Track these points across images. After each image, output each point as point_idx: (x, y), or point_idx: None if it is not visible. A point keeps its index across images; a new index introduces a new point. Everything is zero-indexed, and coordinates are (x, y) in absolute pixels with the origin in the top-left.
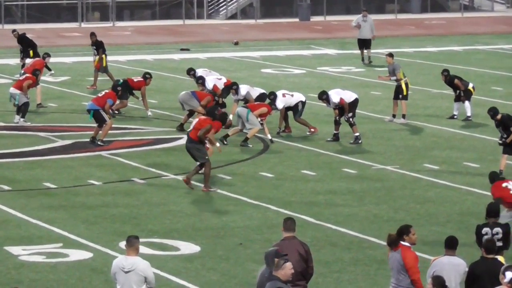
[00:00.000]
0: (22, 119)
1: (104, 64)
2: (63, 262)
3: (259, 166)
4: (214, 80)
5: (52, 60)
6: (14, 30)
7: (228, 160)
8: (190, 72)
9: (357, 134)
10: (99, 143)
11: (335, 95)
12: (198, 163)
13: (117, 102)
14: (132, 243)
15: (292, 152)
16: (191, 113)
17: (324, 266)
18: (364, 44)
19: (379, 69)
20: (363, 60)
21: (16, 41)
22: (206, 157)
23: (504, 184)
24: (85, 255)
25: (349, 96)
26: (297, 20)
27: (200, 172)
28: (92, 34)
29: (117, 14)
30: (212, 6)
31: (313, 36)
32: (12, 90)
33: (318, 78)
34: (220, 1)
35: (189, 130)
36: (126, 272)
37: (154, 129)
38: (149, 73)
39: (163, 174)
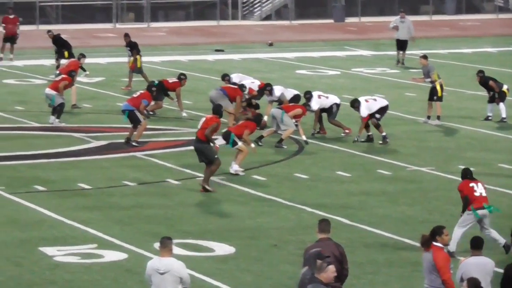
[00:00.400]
0: (57, 120)
1: (138, 65)
2: (98, 263)
3: (294, 167)
4: (248, 83)
5: (86, 61)
6: (49, 31)
7: (262, 161)
8: (225, 78)
9: (384, 133)
10: (133, 144)
11: (365, 110)
12: (206, 166)
13: (152, 103)
14: (166, 244)
15: (326, 153)
16: None
17: (358, 268)
18: (401, 45)
19: (414, 70)
20: (398, 62)
21: (51, 41)
22: (216, 156)
23: (471, 184)
24: (120, 256)
25: (380, 103)
26: (331, 21)
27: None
28: (126, 35)
29: (151, 15)
30: (247, 7)
31: (348, 37)
32: (48, 91)
33: (352, 79)
34: (255, 2)
35: (196, 129)
36: (162, 274)
37: (189, 130)
38: (184, 74)
39: (197, 175)
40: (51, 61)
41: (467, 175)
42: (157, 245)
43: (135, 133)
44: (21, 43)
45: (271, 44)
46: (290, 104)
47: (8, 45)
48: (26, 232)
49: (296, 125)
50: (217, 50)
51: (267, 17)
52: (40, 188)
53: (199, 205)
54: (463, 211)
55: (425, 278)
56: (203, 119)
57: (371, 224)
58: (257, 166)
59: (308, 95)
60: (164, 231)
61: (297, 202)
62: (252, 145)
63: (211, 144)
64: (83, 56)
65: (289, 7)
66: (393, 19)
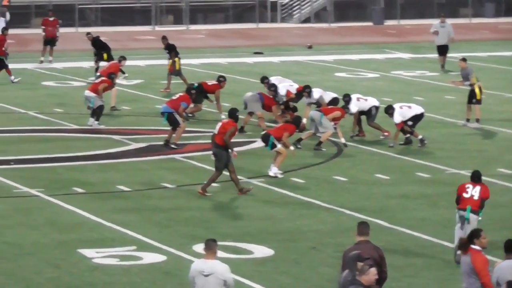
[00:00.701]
0: (96, 122)
1: (177, 67)
2: (137, 265)
3: (333, 170)
4: (286, 86)
5: (125, 63)
6: (88, 33)
7: (301, 164)
8: (264, 80)
9: (420, 137)
10: (172, 146)
11: (398, 116)
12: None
13: (192, 105)
14: (211, 246)
15: (365, 156)
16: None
17: (397, 271)
18: (441, 50)
19: (453, 73)
20: (442, 67)
21: (90, 44)
22: (222, 166)
23: (467, 185)
24: (158, 258)
25: (415, 110)
26: (370, 24)
27: (235, 178)
28: (164, 38)
29: (190, 17)
30: (286, 10)
31: (387, 40)
32: (87, 93)
33: (392, 82)
34: (294, 5)
35: (213, 134)
36: (206, 276)
37: None
38: (223, 76)
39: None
40: (90, 63)
41: (474, 177)
42: (196, 247)
43: (174, 135)
44: (60, 45)
45: (310, 47)
46: (329, 106)
47: (48, 47)
48: (65, 234)
49: (335, 128)
50: (256, 53)
51: (306, 20)
52: (79, 190)
53: (238, 208)
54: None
55: (464, 281)
56: (219, 123)
57: (410, 227)
58: (296, 168)
59: (347, 98)
60: (203, 233)
61: (336, 205)
62: (291, 147)
63: (229, 151)
64: (123, 58)
65: (328, 9)
66: (432, 22)
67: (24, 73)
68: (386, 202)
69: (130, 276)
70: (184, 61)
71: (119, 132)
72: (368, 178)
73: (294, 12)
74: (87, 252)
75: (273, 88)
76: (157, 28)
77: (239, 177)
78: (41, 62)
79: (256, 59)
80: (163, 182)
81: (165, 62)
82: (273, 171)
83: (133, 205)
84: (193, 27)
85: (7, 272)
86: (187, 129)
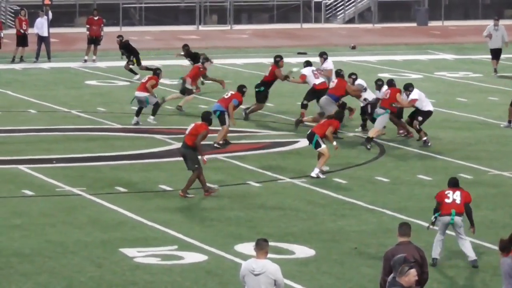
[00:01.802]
0: (152, 117)
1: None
2: (178, 264)
3: (375, 171)
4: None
5: (169, 62)
6: (119, 36)
7: (344, 164)
8: (322, 55)
9: (425, 138)
10: (215, 145)
11: (416, 94)
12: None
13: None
14: (262, 246)
15: (408, 157)
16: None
17: (438, 272)
18: (495, 54)
19: (500, 75)
20: (495, 71)
21: (118, 46)
22: (196, 166)
23: (447, 192)
24: (200, 257)
25: (429, 106)
26: (414, 24)
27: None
28: (185, 46)
29: (235, 17)
30: (330, 10)
31: (431, 41)
32: (138, 94)
33: (435, 83)
34: (338, 5)
35: (184, 134)
36: (256, 275)
37: (270, 133)
38: (279, 56)
39: (279, 178)
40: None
41: (451, 184)
42: (238, 247)
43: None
44: (104, 44)
45: (354, 47)
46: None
47: (92, 46)
48: (107, 233)
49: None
50: (299, 53)
51: (350, 20)
52: (122, 189)
53: (280, 208)
54: (434, 214)
55: (504, 283)
56: (192, 125)
57: (452, 228)
58: (339, 169)
59: (380, 82)
60: (245, 233)
61: (378, 206)
62: (334, 142)
63: (199, 156)
64: (206, 60)
65: (373, 10)
66: (477, 23)
67: (68, 72)
68: (429, 203)
69: (172, 276)
70: (228, 61)
71: (162, 131)
72: (411, 179)
73: (338, 13)
74: (129, 251)
75: (354, 76)
76: (201, 27)
77: (281, 177)
78: (85, 61)
79: (299, 59)
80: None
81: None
82: (315, 171)
83: (176, 204)
84: (237, 27)
85: (49, 271)
86: (230, 129)
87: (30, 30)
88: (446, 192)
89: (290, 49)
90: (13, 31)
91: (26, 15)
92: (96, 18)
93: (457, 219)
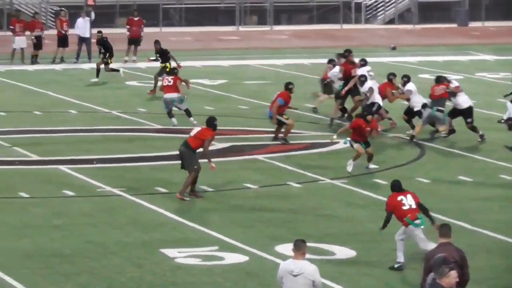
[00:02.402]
0: (191, 118)
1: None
2: (219, 265)
3: (415, 171)
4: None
5: (209, 63)
6: (99, 31)
7: (384, 165)
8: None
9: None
10: (281, 141)
11: (411, 87)
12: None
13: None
14: (300, 247)
15: (448, 157)
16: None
17: (478, 273)
18: None
19: None
20: None
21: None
22: (195, 167)
23: (399, 197)
24: (241, 258)
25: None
26: (455, 25)
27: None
28: (156, 42)
29: (274, 18)
30: (370, 11)
31: (471, 42)
32: (169, 96)
33: (475, 84)
34: (378, 6)
35: (188, 135)
36: (295, 276)
37: (311, 133)
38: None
39: (319, 179)
40: (173, 63)
41: (396, 187)
42: (278, 248)
43: (283, 130)
44: (144, 45)
45: (394, 48)
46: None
47: (132, 47)
48: (147, 233)
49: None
50: (339, 54)
51: (390, 21)
52: (162, 190)
53: (320, 208)
54: (383, 227)
55: None
56: (198, 128)
57: (493, 229)
58: (379, 170)
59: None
60: (285, 234)
61: None
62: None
63: (210, 164)
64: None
65: (413, 11)
66: None
67: (108, 72)
68: (469, 204)
69: (212, 276)
70: (268, 62)
71: None
72: (451, 180)
73: (379, 13)
74: (170, 252)
75: (363, 78)
76: (241, 28)
77: (321, 177)
78: (125, 61)
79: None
80: (246, 183)
81: (248, 62)
82: (348, 168)
83: (216, 205)
84: (277, 27)
85: (90, 271)
86: (269, 129)
87: (70, 31)
88: (398, 199)
89: (330, 49)
90: (54, 31)
91: (66, 15)
92: (136, 18)
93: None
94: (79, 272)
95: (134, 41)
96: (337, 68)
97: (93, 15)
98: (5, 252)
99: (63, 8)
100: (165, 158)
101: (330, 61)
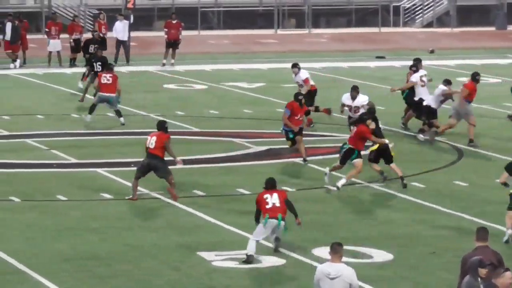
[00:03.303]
0: (121, 118)
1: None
2: (256, 268)
3: (453, 175)
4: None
5: (247, 66)
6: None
7: (422, 168)
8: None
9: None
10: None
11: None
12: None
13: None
14: (337, 250)
15: (486, 161)
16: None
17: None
18: None
19: None
20: None
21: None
22: (167, 172)
23: (265, 196)
24: (277, 261)
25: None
26: (493, 28)
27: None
28: (98, 49)
29: (313, 21)
30: (408, 14)
31: (510, 45)
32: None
33: None
34: (417, 9)
35: (149, 147)
36: (332, 279)
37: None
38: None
39: (356, 182)
40: (211, 66)
41: (266, 185)
42: (315, 251)
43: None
44: (182, 48)
45: (432, 51)
46: None
47: (170, 50)
48: (184, 236)
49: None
50: (378, 57)
51: (429, 24)
52: (199, 193)
53: (357, 212)
54: (256, 220)
55: None
56: (154, 138)
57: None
58: (417, 173)
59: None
60: (322, 237)
61: (456, 210)
62: (386, 140)
63: (175, 159)
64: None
65: (451, 14)
66: None
67: (146, 75)
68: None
69: (249, 279)
70: (306, 65)
71: (240, 135)
72: (489, 183)
73: (417, 17)
74: (207, 255)
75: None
76: (279, 31)
77: (358, 180)
78: (163, 64)
79: (378, 63)
80: (283, 186)
81: (286, 65)
82: (340, 182)
83: (253, 208)
84: (315, 30)
85: (127, 274)
86: (307, 133)
87: (109, 34)
88: (264, 197)
89: (368, 53)
90: None
91: (105, 18)
92: (174, 21)
93: (282, 223)
94: (115, 275)
95: (172, 44)
96: (302, 73)
97: (132, 18)
98: (42, 255)
99: (102, 11)
100: (203, 161)
101: (294, 66)
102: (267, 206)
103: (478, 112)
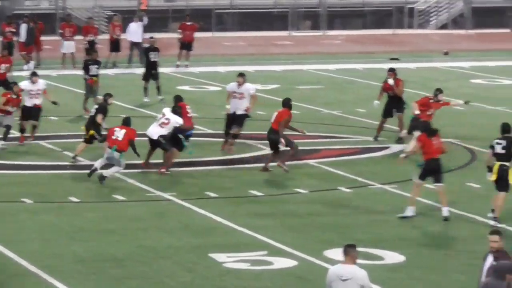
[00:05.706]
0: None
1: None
2: (268, 269)
3: (467, 176)
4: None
5: (262, 68)
6: (151, 37)
7: None
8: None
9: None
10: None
11: None
12: None
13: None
14: (350, 251)
15: None
16: None
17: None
18: None
19: None
20: None
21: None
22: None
23: (115, 129)
24: (290, 263)
25: None
26: (508, 30)
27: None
28: (95, 51)
29: (328, 23)
30: (423, 16)
31: None
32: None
33: None
34: (431, 11)
35: (114, 138)
36: (344, 281)
37: (363, 138)
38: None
39: (369, 184)
40: (226, 68)
41: (124, 123)
42: (328, 252)
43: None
44: (196, 50)
45: (446, 53)
46: None
47: (184, 51)
48: (197, 238)
49: None
50: (392, 59)
51: (444, 26)
52: (213, 194)
53: (371, 213)
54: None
55: None
56: (122, 132)
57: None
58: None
59: None
60: (335, 238)
61: (470, 212)
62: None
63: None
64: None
65: (466, 16)
66: None
67: (160, 77)
68: None
69: (262, 281)
70: (321, 67)
71: (253, 137)
72: None
73: (432, 18)
74: (219, 256)
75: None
76: (294, 33)
77: (372, 182)
78: (177, 66)
79: (392, 65)
80: (297, 188)
81: (301, 67)
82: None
83: (266, 210)
84: (330, 32)
85: (141, 275)
86: (322, 134)
87: (123, 36)
88: (114, 129)
89: (383, 54)
90: (107, 36)
91: (119, 20)
92: (189, 23)
93: (116, 154)
94: (130, 276)
95: (187, 45)
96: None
97: (146, 19)
98: (57, 256)
99: (116, 13)
100: (216, 162)
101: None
102: (112, 137)
103: (493, 114)
